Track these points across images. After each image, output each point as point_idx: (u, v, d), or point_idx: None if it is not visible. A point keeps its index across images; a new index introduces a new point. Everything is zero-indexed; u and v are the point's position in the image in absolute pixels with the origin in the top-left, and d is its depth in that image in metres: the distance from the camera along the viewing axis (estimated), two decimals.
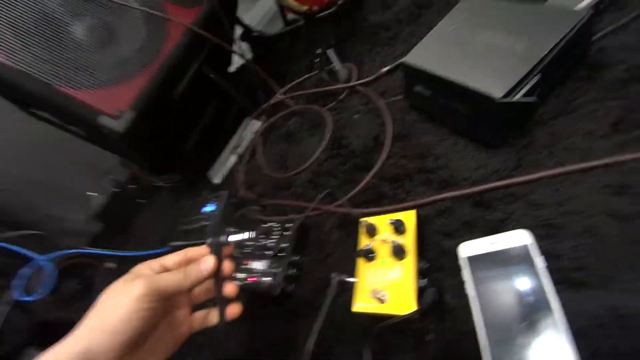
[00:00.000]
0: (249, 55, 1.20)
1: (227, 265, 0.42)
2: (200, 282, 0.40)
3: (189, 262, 0.41)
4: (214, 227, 0.69)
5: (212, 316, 0.43)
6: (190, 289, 0.41)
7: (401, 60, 0.66)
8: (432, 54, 0.53)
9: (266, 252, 0.57)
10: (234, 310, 0.42)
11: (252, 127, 0.95)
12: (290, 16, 1.15)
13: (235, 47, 0.91)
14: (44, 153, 1.30)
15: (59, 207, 1.30)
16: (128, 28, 0.75)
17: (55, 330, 1.11)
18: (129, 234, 1.20)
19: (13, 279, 0.91)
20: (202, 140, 1.02)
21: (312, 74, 0.90)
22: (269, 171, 0.77)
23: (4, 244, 0.93)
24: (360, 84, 0.73)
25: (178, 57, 0.74)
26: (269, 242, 0.58)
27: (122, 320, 0.34)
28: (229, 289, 0.42)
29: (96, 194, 1.22)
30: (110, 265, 1.10)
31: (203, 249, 0.42)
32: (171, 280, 0.38)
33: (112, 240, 1.26)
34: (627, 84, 0.41)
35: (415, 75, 0.54)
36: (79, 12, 0.71)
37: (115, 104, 0.66)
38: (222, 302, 0.41)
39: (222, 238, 0.42)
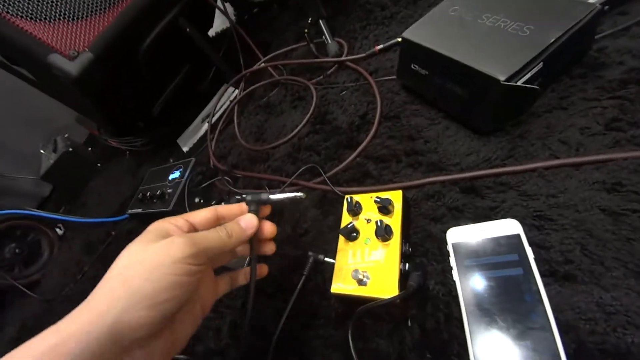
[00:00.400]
0: (232, 19, 1.11)
1: (268, 225, 0.37)
2: (242, 243, 0.34)
3: (219, 220, 0.36)
4: (176, 195, 0.63)
5: (239, 278, 0.38)
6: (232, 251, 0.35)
7: (398, 39, 0.63)
8: (432, 32, 0.50)
9: None
10: (262, 270, 0.38)
11: (229, 95, 0.89)
12: None
13: (218, 4, 0.83)
14: None
15: (4, 164, 1.16)
16: None
17: None
18: (82, 198, 1.10)
19: None
20: (174, 104, 0.94)
21: (299, 44, 0.85)
22: (244, 142, 0.71)
23: None
24: (351, 60, 0.69)
25: (151, 1, 0.66)
26: None
27: (164, 287, 0.27)
28: (270, 248, 0.38)
29: (47, 153, 1.09)
30: (58, 230, 1.00)
31: (236, 207, 0.37)
32: (214, 239, 0.31)
33: (62, 204, 1.15)
34: (626, 86, 0.41)
35: (413, 51, 0.51)
36: None
37: (71, 42, 0.57)
38: (255, 265, 0.37)
39: (264, 196, 0.37)
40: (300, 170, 0.54)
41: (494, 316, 0.31)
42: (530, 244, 0.33)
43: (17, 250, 0.92)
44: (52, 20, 0.58)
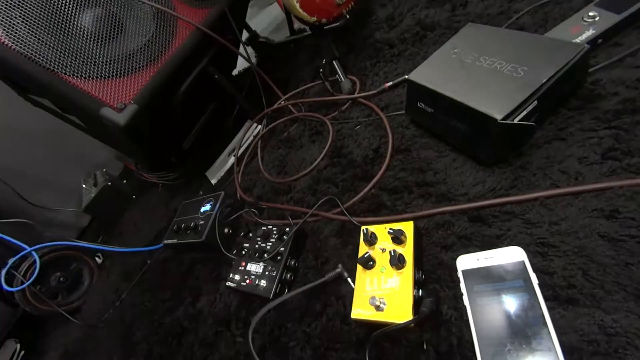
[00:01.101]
0: (253, 60, 1.21)
1: None
2: None
3: None
4: (208, 227, 0.68)
5: None
6: None
7: (405, 76, 0.69)
8: (435, 73, 0.55)
9: (263, 255, 0.57)
10: None
11: (252, 130, 0.96)
12: (296, 26, 1.17)
13: (241, 51, 0.92)
14: (36, 142, 1.27)
15: (49, 197, 1.27)
16: (137, 22, 0.75)
17: (38, 322, 1.07)
18: (118, 228, 1.18)
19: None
20: (202, 140, 1.02)
21: (315, 83, 0.92)
22: (268, 175, 0.77)
23: None
24: (363, 97, 0.75)
25: (184, 56, 0.75)
26: (266, 245, 0.58)
27: None
28: None
29: (88, 187, 1.20)
30: (97, 259, 1.08)
31: None
32: None
33: (100, 234, 1.24)
34: (620, 116, 0.44)
35: (419, 91, 0.55)
36: (89, 1, 0.71)
37: (118, 96, 0.66)
38: None
39: None
40: (320, 202, 0.59)
41: (502, 339, 0.34)
42: (535, 270, 0.36)
43: (61, 279, 1.00)
44: (102, 78, 0.67)
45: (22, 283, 0.91)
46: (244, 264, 0.59)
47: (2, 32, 0.61)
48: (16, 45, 0.62)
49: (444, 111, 0.51)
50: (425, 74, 0.55)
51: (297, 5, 0.74)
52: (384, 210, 0.54)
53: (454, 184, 0.50)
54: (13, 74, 0.67)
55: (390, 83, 0.72)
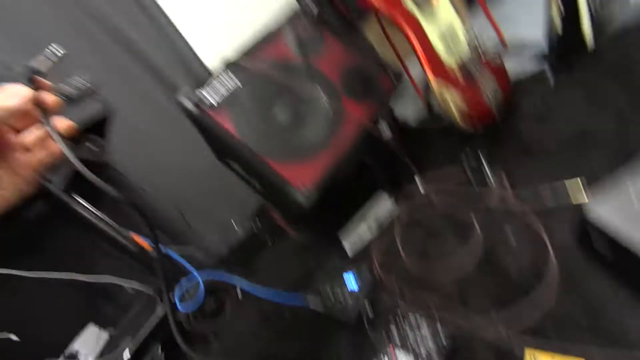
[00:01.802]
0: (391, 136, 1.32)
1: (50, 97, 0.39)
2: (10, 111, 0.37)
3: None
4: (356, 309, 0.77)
5: (49, 145, 0.40)
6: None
7: (584, 217, 0.58)
8: (617, 213, 0.51)
9: (412, 346, 0.62)
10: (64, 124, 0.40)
11: (385, 203, 1.04)
12: (436, 110, 1.24)
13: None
14: (199, 183, 1.59)
15: (203, 229, 1.56)
16: (316, 115, 0.94)
17: (188, 341, 1.28)
18: (254, 270, 1.38)
19: (174, 285, 1.12)
20: (335, 202, 1.15)
21: (455, 170, 0.96)
22: (408, 262, 0.83)
23: (174, 254, 1.16)
24: (518, 207, 0.75)
25: (352, 145, 0.91)
26: (415, 336, 0.63)
27: None
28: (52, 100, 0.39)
29: (237, 227, 1.46)
30: (239, 293, 1.28)
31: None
32: None
33: (238, 272, 1.47)
34: None
35: (596, 232, 0.53)
36: (283, 102, 0.92)
37: (301, 179, 0.84)
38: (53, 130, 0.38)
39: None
40: (470, 314, 0.62)
41: None
42: None
43: (212, 304, 1.22)
44: (291, 161, 0.86)
45: (189, 305, 1.13)
46: (392, 348, 0.65)
47: (233, 127, 0.85)
48: (240, 136, 0.84)
49: (629, 262, 0.50)
50: (604, 211, 0.53)
51: (458, 117, 0.82)
52: (544, 339, 0.54)
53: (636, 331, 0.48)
54: (232, 153, 0.89)
55: (551, 203, 0.71)
